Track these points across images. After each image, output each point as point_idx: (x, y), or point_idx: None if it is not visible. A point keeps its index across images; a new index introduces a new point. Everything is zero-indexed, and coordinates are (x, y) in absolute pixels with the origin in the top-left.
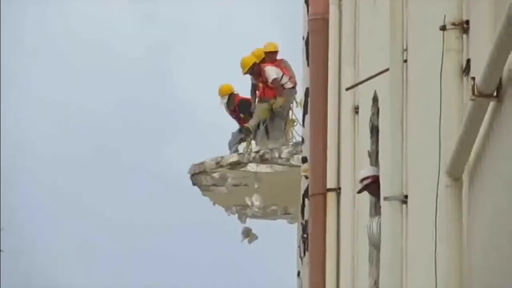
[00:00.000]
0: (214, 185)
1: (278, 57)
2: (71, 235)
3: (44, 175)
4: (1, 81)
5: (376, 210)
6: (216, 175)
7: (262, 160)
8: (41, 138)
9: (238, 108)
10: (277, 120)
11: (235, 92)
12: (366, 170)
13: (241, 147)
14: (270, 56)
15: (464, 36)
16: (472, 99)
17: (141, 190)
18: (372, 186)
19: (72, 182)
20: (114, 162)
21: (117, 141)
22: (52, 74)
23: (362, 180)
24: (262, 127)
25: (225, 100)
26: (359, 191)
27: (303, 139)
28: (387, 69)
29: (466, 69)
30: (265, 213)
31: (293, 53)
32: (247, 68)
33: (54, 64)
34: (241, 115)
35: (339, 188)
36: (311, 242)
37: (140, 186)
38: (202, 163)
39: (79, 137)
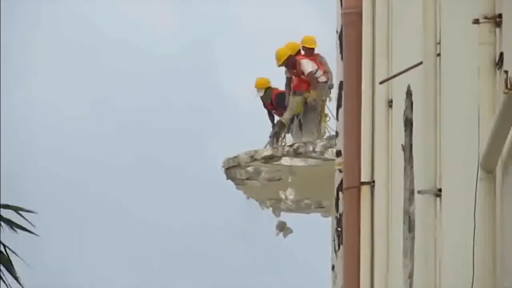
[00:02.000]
0: (248, 179)
1: (315, 52)
2: (114, 242)
3: (82, 180)
4: (18, 82)
5: (410, 202)
6: (250, 169)
7: (296, 153)
8: (76, 139)
9: (275, 101)
10: (310, 113)
11: (272, 86)
12: None
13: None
14: (307, 51)
15: (497, 29)
16: (505, 93)
17: (183, 192)
18: None
19: (111, 187)
20: (155, 164)
21: (157, 142)
22: (90, 74)
23: None
24: (296, 121)
25: (261, 93)
26: None
27: (337, 133)
28: (421, 63)
29: (499, 62)
30: (299, 207)
31: (329, 48)
32: (282, 60)
33: (87, 65)
34: (278, 108)
35: (373, 182)
36: (345, 235)
37: (182, 188)
38: (236, 157)
39: (116, 137)
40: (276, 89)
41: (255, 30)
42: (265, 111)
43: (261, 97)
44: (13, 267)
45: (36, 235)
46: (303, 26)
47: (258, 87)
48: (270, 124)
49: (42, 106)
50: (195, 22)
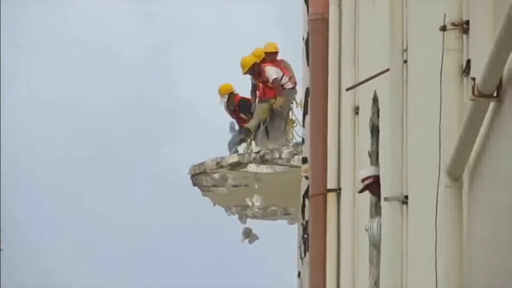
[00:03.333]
0: (214, 185)
1: (278, 57)
2: (71, 235)
3: (44, 175)
4: (0, 81)
5: (376, 210)
6: (216, 175)
7: (263, 160)
8: (41, 138)
9: (238, 107)
10: (277, 120)
11: (235, 92)
12: (367, 170)
13: (242, 147)
14: (270, 56)
15: (464, 36)
16: (472, 99)
17: (141, 190)
18: (373, 185)
19: (72, 182)
20: (114, 162)
21: (117, 141)
22: (51, 74)
23: (363, 180)
24: (262, 128)
25: (225, 100)
26: (360, 191)
27: (303, 140)
28: (387, 70)
29: (466, 69)
30: (265, 214)
31: (293, 53)
32: (247, 68)
33: (53, 64)
34: (242, 115)
35: (340, 189)
36: (312, 242)
37: (140, 186)
38: (202, 164)
39: (79, 137)
40: (237, 94)
41: (218, 34)
42: (226, 116)
43: (225, 103)
44: None
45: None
46: (264, 31)
47: (221, 93)
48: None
49: (7, 107)
50: (158, 26)
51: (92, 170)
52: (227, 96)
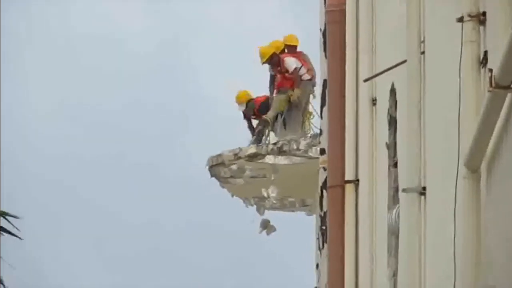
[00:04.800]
0: (232, 177)
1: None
2: (83, 236)
3: (54, 176)
4: (1, 80)
5: (394, 201)
6: (234, 167)
7: (280, 152)
8: (51, 138)
9: (258, 111)
10: (294, 111)
11: (253, 98)
12: None
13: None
14: (290, 49)
15: (481, 27)
16: (489, 91)
17: (153, 190)
18: None
19: (84, 183)
20: (125, 162)
21: (129, 140)
22: (60, 72)
23: None
24: (280, 119)
25: (243, 108)
26: None
27: (321, 131)
28: (405, 61)
29: (483, 61)
30: (283, 205)
31: (309, 46)
32: (266, 58)
33: (62, 62)
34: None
35: (357, 180)
36: (330, 234)
37: (152, 186)
38: (220, 155)
39: (90, 136)
40: (257, 98)
41: (231, 29)
42: (245, 121)
43: (243, 111)
44: None
45: (21, 238)
46: (278, 26)
47: (239, 102)
48: (250, 133)
49: (16, 105)
50: (169, 21)
51: (104, 170)
52: (245, 104)
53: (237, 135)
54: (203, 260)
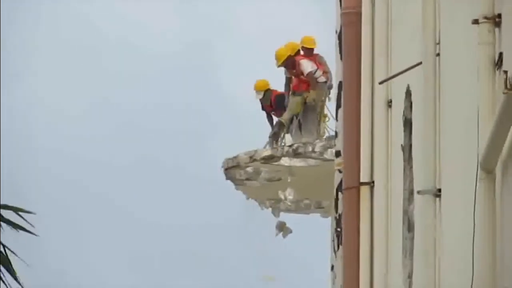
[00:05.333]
0: (247, 179)
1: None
2: (106, 238)
3: (76, 178)
4: (25, 79)
5: (409, 202)
6: (249, 169)
7: (296, 154)
8: (75, 139)
9: (274, 103)
10: (310, 114)
11: (271, 88)
12: None
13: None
14: (307, 51)
15: (496, 29)
16: (504, 92)
17: (179, 191)
18: None
19: (108, 185)
20: (154, 164)
21: (154, 140)
22: (89, 74)
23: None
24: (295, 121)
25: (261, 96)
26: None
27: (336, 133)
28: (420, 63)
29: (498, 62)
30: (298, 207)
31: (328, 48)
32: (282, 60)
33: (89, 65)
34: (278, 109)
35: (373, 182)
36: (345, 236)
37: (178, 186)
38: (235, 157)
39: (115, 139)
40: (275, 90)
41: (255, 30)
42: (264, 112)
43: (260, 99)
44: (12, 267)
45: (36, 235)
46: (303, 26)
47: (257, 89)
48: (269, 126)
49: (41, 106)
50: (195, 22)
51: (127, 170)
52: (262, 93)
53: (264, 135)
54: (225, 260)
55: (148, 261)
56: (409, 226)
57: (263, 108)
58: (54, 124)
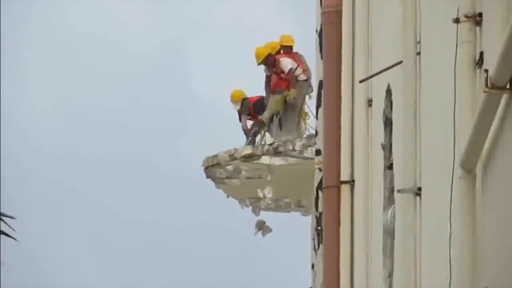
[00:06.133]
0: (227, 177)
1: (293, 50)
2: (82, 236)
3: (54, 175)
4: (1, 81)
5: (390, 202)
6: (230, 167)
7: (276, 152)
8: (51, 137)
9: (253, 109)
10: (290, 112)
11: (247, 97)
12: None
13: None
14: (285, 49)
15: (477, 28)
16: (485, 91)
17: (153, 190)
18: None
19: (85, 182)
20: (126, 161)
21: (129, 139)
22: (62, 72)
23: None
24: (275, 120)
25: (238, 106)
26: None
27: (316, 132)
28: (400, 62)
29: (479, 61)
30: (278, 206)
31: (306, 47)
32: (262, 59)
33: (64, 62)
34: (259, 115)
35: (353, 181)
36: (325, 234)
37: (152, 186)
38: (215, 156)
39: (90, 136)
40: (252, 98)
41: (231, 30)
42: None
43: (238, 110)
44: None
45: (15, 239)
46: (277, 25)
47: (233, 100)
48: (243, 132)
49: (15, 104)
50: (171, 22)
51: (104, 169)
52: (239, 103)
53: (237, 135)
54: (202, 260)
55: (126, 261)
56: (390, 225)
57: (240, 119)
58: (31, 124)
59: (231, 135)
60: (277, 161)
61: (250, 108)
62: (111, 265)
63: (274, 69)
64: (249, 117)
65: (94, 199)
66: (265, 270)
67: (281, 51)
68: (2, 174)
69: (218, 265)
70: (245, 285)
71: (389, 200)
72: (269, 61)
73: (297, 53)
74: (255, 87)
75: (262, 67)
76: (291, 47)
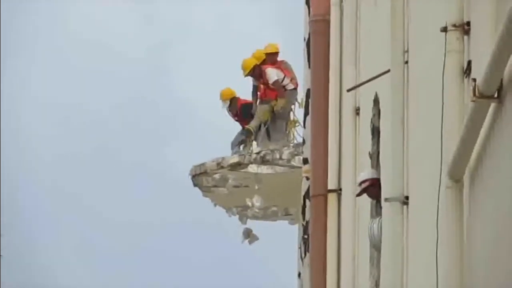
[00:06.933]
0: (215, 186)
1: (279, 58)
2: (71, 235)
3: (44, 175)
4: (0, 81)
5: (377, 211)
6: (217, 176)
7: (263, 161)
8: (41, 138)
9: (240, 112)
10: (278, 121)
11: (237, 96)
12: (365, 173)
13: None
14: (271, 58)
15: (465, 37)
16: (473, 101)
17: (140, 190)
18: (371, 189)
19: (72, 182)
20: (114, 162)
21: (117, 141)
22: (51, 74)
23: (360, 183)
24: (263, 129)
25: (227, 105)
26: (358, 194)
27: (304, 140)
28: (388, 71)
29: (467, 71)
30: (265, 214)
31: (293, 54)
32: (248, 71)
33: (54, 64)
34: (244, 119)
35: (340, 189)
36: (312, 243)
37: (140, 186)
38: (203, 164)
39: (79, 137)
40: (239, 98)
41: (217, 35)
42: (227, 116)
43: (227, 108)
44: None
45: None
46: (264, 30)
47: (222, 99)
48: (232, 130)
49: (6, 105)
50: (159, 26)
51: (92, 169)
52: (229, 101)
53: (224, 140)
54: (190, 259)
55: (111, 260)
56: (377, 234)
57: (233, 117)
58: (18, 120)
59: (218, 139)
60: (264, 169)
61: (237, 108)
62: (95, 263)
63: (262, 79)
64: (235, 118)
65: (83, 199)
66: (253, 277)
67: (267, 60)
68: None
69: (208, 264)
70: (236, 285)
71: (376, 209)
72: (256, 72)
73: (283, 61)
74: (243, 93)
75: None
76: (276, 54)
